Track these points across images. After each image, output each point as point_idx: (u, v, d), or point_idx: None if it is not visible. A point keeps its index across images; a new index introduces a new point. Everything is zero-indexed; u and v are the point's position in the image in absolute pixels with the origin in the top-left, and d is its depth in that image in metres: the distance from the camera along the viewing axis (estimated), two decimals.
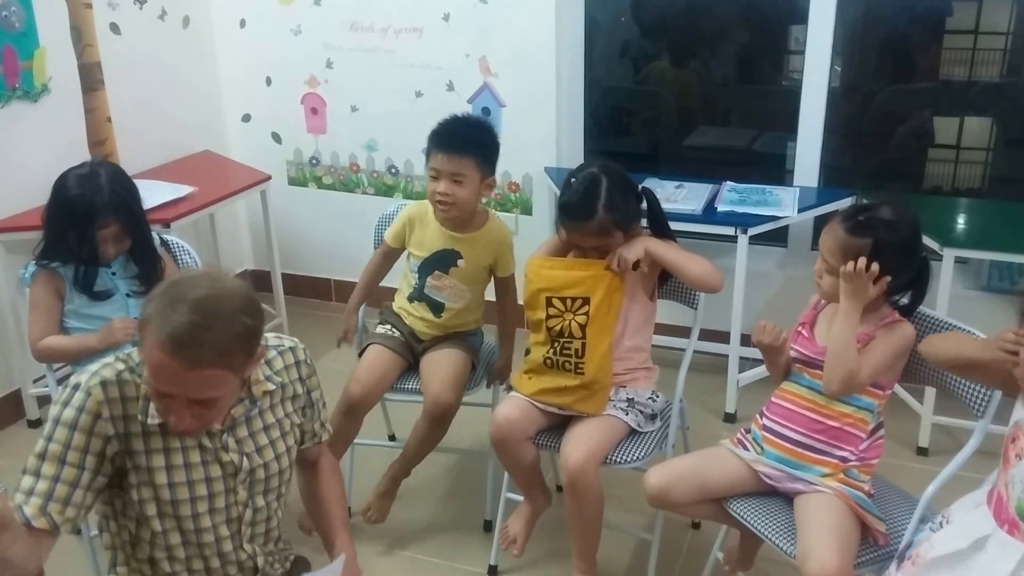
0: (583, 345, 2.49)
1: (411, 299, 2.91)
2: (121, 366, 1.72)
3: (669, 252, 2.49)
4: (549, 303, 2.52)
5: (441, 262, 2.84)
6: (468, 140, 2.72)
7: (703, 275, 2.46)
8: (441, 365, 2.82)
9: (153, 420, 1.70)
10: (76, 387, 1.68)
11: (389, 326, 2.95)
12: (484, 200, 2.88)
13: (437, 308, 2.88)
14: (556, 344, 2.53)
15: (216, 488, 1.80)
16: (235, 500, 1.84)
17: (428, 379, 2.81)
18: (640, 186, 2.58)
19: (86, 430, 1.66)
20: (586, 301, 2.48)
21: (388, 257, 3.00)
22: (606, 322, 2.50)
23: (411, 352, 2.92)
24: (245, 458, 1.83)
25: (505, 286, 2.94)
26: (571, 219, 2.50)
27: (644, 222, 2.61)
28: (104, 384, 1.68)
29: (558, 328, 2.52)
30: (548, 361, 2.55)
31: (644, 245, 2.47)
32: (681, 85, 4.77)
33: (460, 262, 2.83)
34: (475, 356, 2.94)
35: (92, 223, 2.57)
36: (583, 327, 2.48)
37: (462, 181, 2.69)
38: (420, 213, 2.88)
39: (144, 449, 1.72)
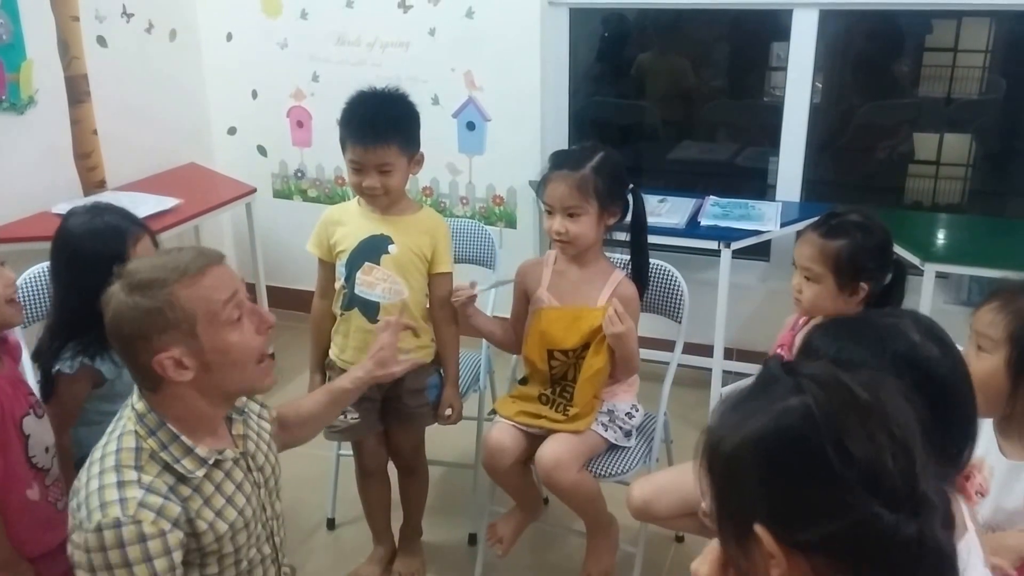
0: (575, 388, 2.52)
1: (344, 309, 2.57)
2: (132, 475, 1.61)
3: (631, 347, 2.46)
4: (551, 355, 2.53)
5: (370, 250, 2.52)
6: (387, 125, 2.44)
7: (630, 372, 2.58)
8: (405, 433, 2.75)
9: (199, 472, 1.69)
10: (117, 524, 1.55)
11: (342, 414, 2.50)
12: (415, 175, 2.63)
13: (372, 311, 2.53)
14: (556, 386, 2.55)
15: (256, 509, 1.81)
16: (268, 516, 1.87)
17: (396, 450, 2.79)
18: (631, 184, 2.55)
19: (164, 550, 1.58)
20: (587, 347, 2.48)
21: (329, 278, 2.65)
22: (595, 363, 2.48)
23: (376, 408, 2.64)
24: (259, 472, 1.86)
25: (442, 292, 2.60)
26: (558, 166, 2.47)
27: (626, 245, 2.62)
28: (144, 504, 1.58)
29: (561, 373, 2.55)
30: (543, 398, 2.56)
31: (629, 329, 2.42)
32: (667, 87, 4.82)
33: (391, 248, 2.51)
34: (433, 414, 2.71)
35: (124, 239, 2.22)
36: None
37: (390, 171, 2.45)
38: (339, 211, 2.64)
39: (202, 501, 1.69)
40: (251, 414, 1.93)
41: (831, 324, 1.60)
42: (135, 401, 1.71)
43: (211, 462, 1.71)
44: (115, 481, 1.60)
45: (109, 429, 1.72)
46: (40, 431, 2.08)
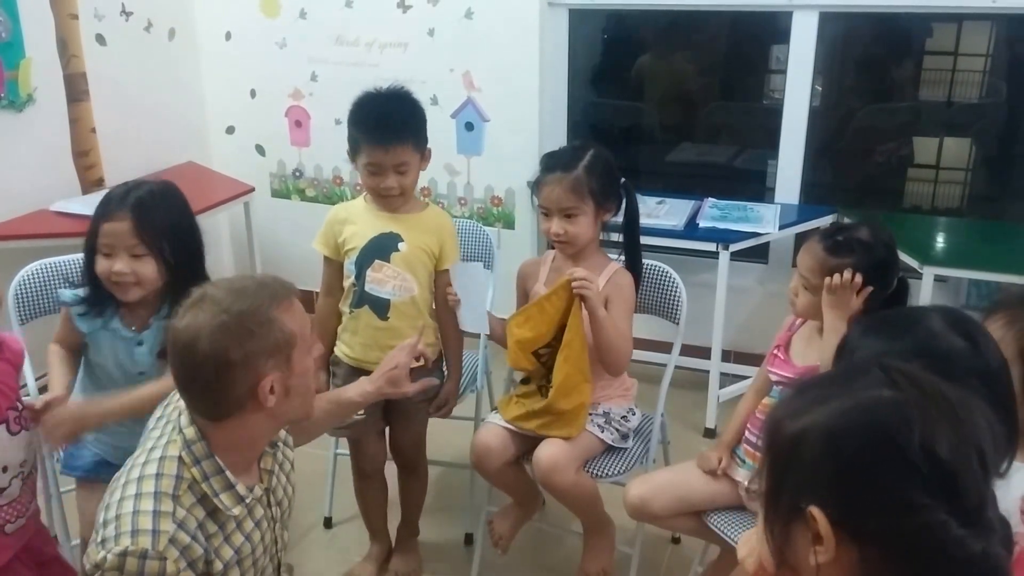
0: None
1: (354, 307, 2.58)
2: (169, 506, 1.59)
3: (605, 320, 2.41)
4: (537, 355, 2.52)
5: (380, 248, 2.54)
6: (400, 124, 2.47)
7: (617, 363, 2.50)
8: (407, 429, 2.74)
9: (235, 510, 1.68)
10: (144, 555, 1.53)
11: None
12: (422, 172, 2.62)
13: (382, 308, 2.55)
14: (551, 375, 2.55)
15: (269, 545, 1.82)
16: (278, 548, 1.88)
17: (397, 447, 2.78)
18: (623, 179, 2.56)
19: None
20: (563, 328, 2.46)
21: (335, 276, 2.66)
22: (571, 340, 2.45)
23: (380, 404, 2.57)
24: (277, 507, 1.86)
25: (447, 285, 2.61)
26: (551, 168, 2.49)
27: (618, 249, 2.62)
28: (173, 540, 1.56)
29: (552, 363, 2.54)
30: (543, 389, 2.56)
31: (601, 295, 2.41)
32: (666, 89, 4.81)
33: (401, 246, 2.53)
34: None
35: (99, 218, 2.19)
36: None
37: (406, 170, 2.48)
38: (345, 209, 2.64)
39: (223, 539, 1.68)
40: (280, 443, 1.91)
41: (870, 323, 1.60)
42: (184, 426, 1.67)
43: (247, 501, 1.70)
44: (152, 510, 1.57)
45: (148, 446, 1.68)
46: None
